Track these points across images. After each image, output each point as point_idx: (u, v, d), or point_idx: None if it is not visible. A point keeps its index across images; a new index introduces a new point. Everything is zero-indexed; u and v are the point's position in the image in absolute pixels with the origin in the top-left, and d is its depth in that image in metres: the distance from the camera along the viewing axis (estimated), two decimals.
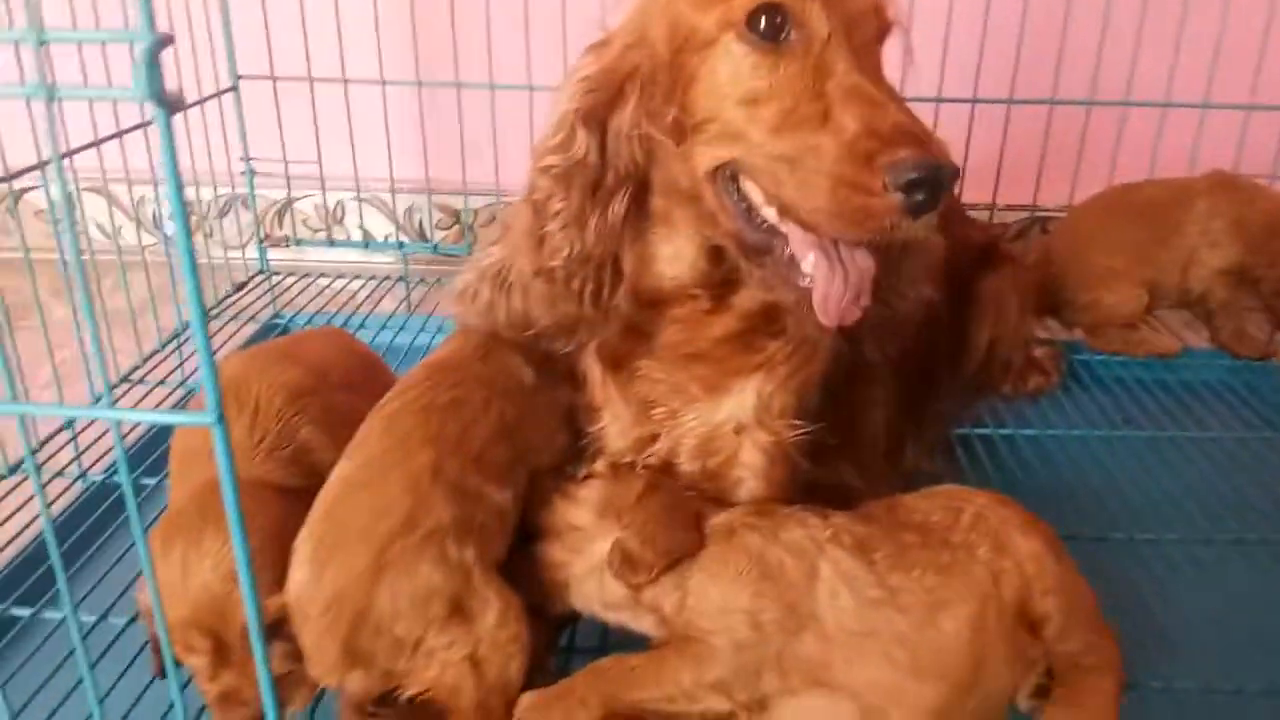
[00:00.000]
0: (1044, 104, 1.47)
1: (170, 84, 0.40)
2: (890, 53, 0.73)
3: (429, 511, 0.71)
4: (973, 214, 1.37)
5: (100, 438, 1.17)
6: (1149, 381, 1.41)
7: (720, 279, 0.80)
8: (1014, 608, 0.73)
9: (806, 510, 0.78)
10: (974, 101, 1.45)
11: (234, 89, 1.55)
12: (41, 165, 1.09)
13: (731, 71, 0.70)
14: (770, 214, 0.72)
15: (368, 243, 1.78)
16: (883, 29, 0.72)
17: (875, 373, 0.97)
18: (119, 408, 0.59)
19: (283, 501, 0.76)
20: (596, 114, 0.75)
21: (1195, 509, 1.10)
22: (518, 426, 0.81)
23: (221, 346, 1.42)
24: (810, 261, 0.71)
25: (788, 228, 0.71)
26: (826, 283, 0.70)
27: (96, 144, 1.22)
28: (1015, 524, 0.77)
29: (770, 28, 0.68)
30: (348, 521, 0.71)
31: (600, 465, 0.85)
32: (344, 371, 0.92)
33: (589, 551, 0.79)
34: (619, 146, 0.76)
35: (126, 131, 1.25)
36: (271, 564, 0.71)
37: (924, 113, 0.76)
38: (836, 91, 0.66)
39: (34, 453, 1.05)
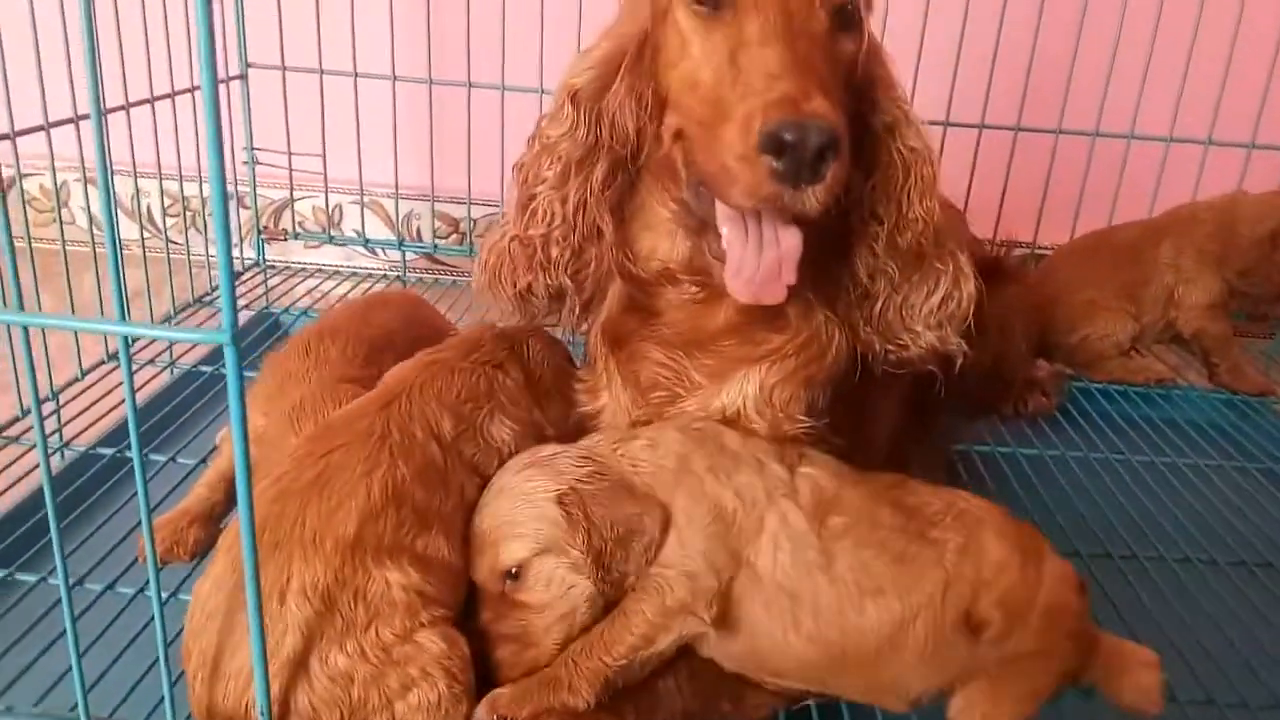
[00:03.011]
0: (1050, 133, 1.49)
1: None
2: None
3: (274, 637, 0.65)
4: None
5: (79, 414, 1.16)
6: (1146, 413, 1.41)
7: (703, 265, 0.79)
8: (953, 619, 0.71)
9: (781, 451, 0.77)
10: (981, 127, 1.46)
11: (243, 76, 1.54)
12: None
13: (678, 40, 0.71)
14: None
15: (367, 240, 1.76)
16: (834, 3, 0.69)
17: (886, 381, 0.95)
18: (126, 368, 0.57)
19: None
20: (589, 92, 0.77)
21: (1195, 530, 1.11)
22: (420, 483, 0.74)
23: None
24: (725, 234, 0.71)
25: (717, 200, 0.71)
26: (738, 257, 0.70)
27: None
28: (993, 527, 0.74)
29: None
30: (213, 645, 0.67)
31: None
32: (407, 338, 1.01)
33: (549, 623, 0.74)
34: (611, 124, 0.77)
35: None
36: None
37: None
38: (747, 60, 0.66)
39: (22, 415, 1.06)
